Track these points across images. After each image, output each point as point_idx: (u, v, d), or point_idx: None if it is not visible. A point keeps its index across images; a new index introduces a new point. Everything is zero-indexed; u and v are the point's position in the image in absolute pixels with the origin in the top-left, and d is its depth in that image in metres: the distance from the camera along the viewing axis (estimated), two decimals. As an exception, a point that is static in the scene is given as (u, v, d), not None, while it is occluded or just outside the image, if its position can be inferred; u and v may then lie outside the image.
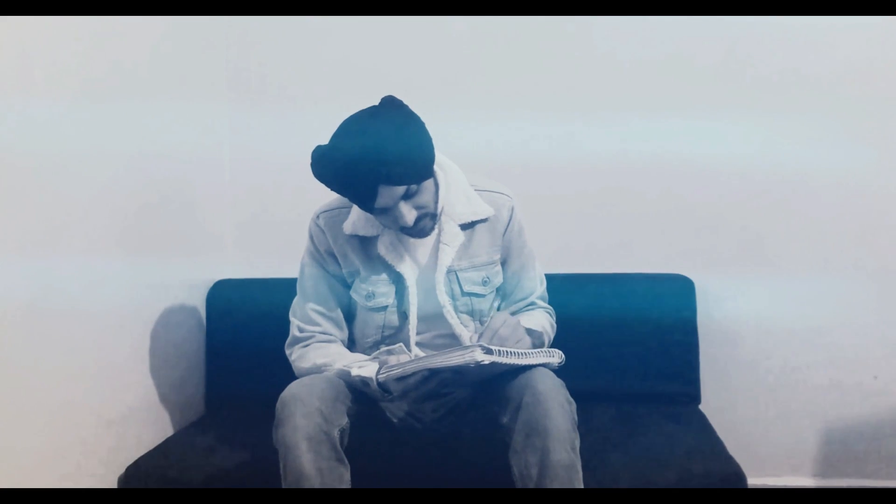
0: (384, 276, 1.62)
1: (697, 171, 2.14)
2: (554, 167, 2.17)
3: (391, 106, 1.48)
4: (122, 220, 1.80)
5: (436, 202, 1.57)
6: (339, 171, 1.44)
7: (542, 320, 1.69)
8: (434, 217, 1.57)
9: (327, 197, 1.68)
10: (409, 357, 1.50)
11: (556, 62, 2.17)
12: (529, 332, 1.55)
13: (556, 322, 1.75)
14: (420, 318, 1.61)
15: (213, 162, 2.26)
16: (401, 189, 1.45)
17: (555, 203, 2.17)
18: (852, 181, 2.09)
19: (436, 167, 1.58)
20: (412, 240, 1.61)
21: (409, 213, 1.49)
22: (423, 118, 1.50)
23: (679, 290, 2.05)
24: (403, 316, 1.62)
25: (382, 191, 1.44)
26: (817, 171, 2.10)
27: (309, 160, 1.46)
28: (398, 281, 1.62)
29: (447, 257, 1.60)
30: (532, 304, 1.73)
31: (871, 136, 2.08)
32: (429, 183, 1.53)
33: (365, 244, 1.63)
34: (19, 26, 1.45)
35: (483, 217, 1.63)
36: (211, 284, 2.19)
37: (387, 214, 1.50)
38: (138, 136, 1.86)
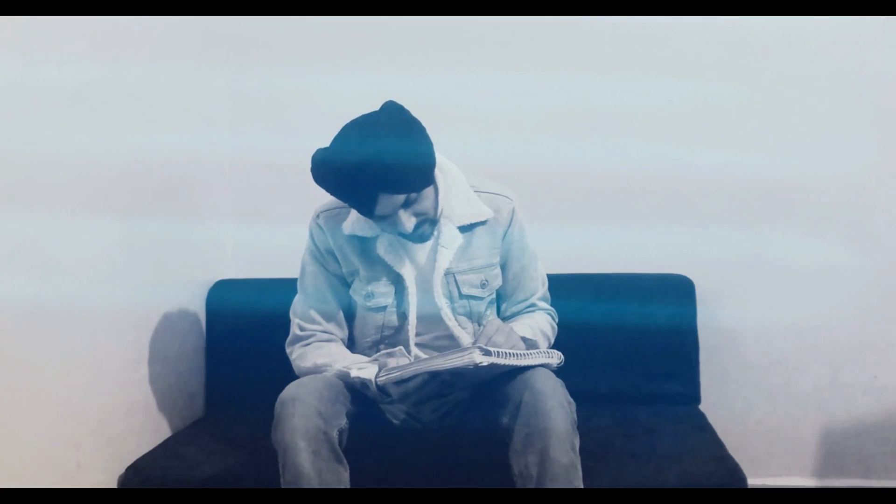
0: (383, 276, 1.62)
1: (697, 171, 2.14)
2: (554, 167, 2.17)
3: (393, 112, 1.47)
4: (123, 219, 1.80)
5: (436, 208, 1.57)
6: (340, 178, 1.43)
7: (542, 323, 1.68)
8: (433, 223, 1.57)
9: (327, 197, 1.68)
10: (409, 360, 1.50)
11: (557, 62, 2.16)
12: (522, 339, 1.54)
13: (557, 326, 1.75)
14: (419, 319, 1.61)
15: (213, 162, 2.26)
16: (401, 197, 1.46)
17: (555, 203, 2.17)
18: (852, 181, 2.09)
19: (435, 170, 1.58)
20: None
21: (408, 221, 1.49)
22: (423, 121, 1.50)
23: (679, 290, 2.05)
24: (403, 316, 1.62)
25: (382, 199, 1.44)
26: (817, 171, 2.10)
27: (309, 161, 1.46)
28: (397, 281, 1.62)
29: (445, 260, 1.60)
30: (533, 305, 1.72)
31: (870, 136, 2.08)
32: (429, 189, 1.53)
33: (364, 244, 1.63)
34: (20, 26, 1.45)
35: (482, 219, 1.63)
36: (211, 284, 2.19)
37: (386, 220, 1.51)
38: (138, 136, 1.86)
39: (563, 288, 1.82)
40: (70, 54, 1.62)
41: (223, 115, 2.28)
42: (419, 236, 1.56)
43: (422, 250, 1.62)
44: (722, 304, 2.14)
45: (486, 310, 1.67)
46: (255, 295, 2.14)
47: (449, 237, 1.60)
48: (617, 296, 2.05)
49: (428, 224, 1.56)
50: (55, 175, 1.57)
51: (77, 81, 1.64)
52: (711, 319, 2.12)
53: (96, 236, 1.70)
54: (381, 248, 1.60)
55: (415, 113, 1.50)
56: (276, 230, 2.24)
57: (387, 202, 1.45)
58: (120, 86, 1.79)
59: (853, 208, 2.10)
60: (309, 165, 1.47)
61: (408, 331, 1.61)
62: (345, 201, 1.51)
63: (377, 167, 1.40)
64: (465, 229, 1.62)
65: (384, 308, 1.63)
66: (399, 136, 1.44)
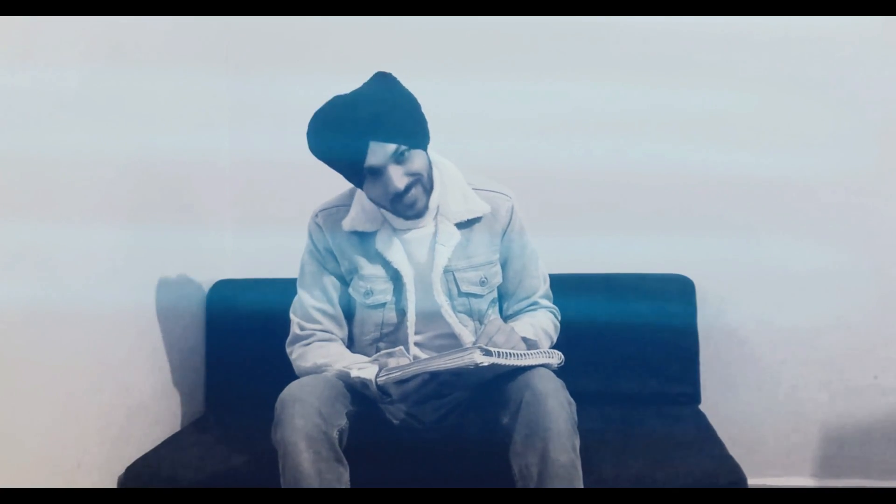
0: (382, 272, 1.63)
1: (697, 171, 2.14)
2: (555, 168, 2.17)
3: (382, 75, 1.53)
4: (123, 220, 1.80)
5: (430, 175, 1.57)
6: (332, 131, 1.47)
7: (545, 321, 1.69)
8: (427, 192, 1.57)
9: (327, 196, 1.69)
10: (409, 360, 1.50)
11: (558, 66, 2.17)
12: (524, 339, 1.54)
13: (559, 324, 1.75)
14: (419, 317, 1.61)
15: (213, 162, 2.26)
16: (391, 147, 1.47)
17: (555, 203, 2.17)
18: (852, 181, 2.09)
19: (432, 167, 1.59)
20: (410, 236, 1.62)
21: (399, 179, 1.50)
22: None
23: (679, 290, 2.05)
24: (402, 313, 1.62)
25: (373, 147, 1.46)
26: (817, 172, 2.10)
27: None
28: (396, 278, 1.62)
29: (443, 257, 1.60)
30: (535, 303, 1.73)
31: (869, 137, 2.08)
32: (421, 154, 1.54)
33: (363, 241, 1.63)
34: (20, 26, 1.45)
35: (479, 215, 1.63)
36: (211, 284, 2.19)
37: (378, 180, 1.51)
38: (138, 136, 1.86)
39: (563, 288, 1.82)
40: (70, 54, 1.61)
41: (223, 116, 2.28)
42: (411, 204, 1.54)
43: (421, 247, 1.62)
44: (722, 305, 2.14)
45: (487, 309, 1.67)
46: (255, 295, 2.14)
47: (446, 234, 1.60)
48: (617, 296, 2.05)
49: (421, 189, 1.55)
50: (56, 177, 1.57)
51: (78, 84, 1.64)
52: (712, 319, 2.12)
53: (97, 237, 1.70)
54: (380, 244, 1.61)
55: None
56: (275, 230, 2.24)
57: (378, 151, 1.47)
58: (120, 88, 1.78)
59: (853, 208, 2.10)
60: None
61: (407, 328, 1.61)
62: (337, 158, 1.52)
63: (368, 115, 1.45)
64: (463, 226, 1.63)
65: (383, 305, 1.63)
66: (388, 90, 1.50)
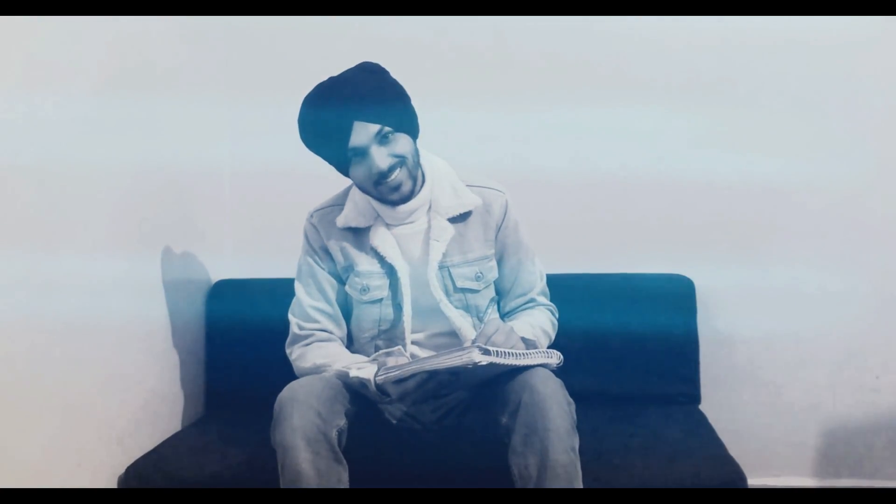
0: (377, 268, 1.63)
1: (698, 172, 2.14)
2: (555, 168, 2.17)
3: (368, 63, 1.57)
4: (123, 221, 1.80)
5: (416, 161, 1.58)
6: (317, 112, 1.50)
7: (543, 320, 1.69)
8: (412, 177, 1.57)
9: (324, 197, 1.69)
10: (407, 359, 1.50)
11: (558, 66, 2.17)
12: (523, 339, 1.53)
13: (557, 322, 1.75)
14: (416, 314, 1.62)
15: (213, 163, 2.26)
16: (374, 127, 1.49)
17: (555, 203, 2.17)
18: (852, 182, 2.09)
19: (423, 162, 1.61)
20: (403, 231, 1.62)
21: (382, 159, 1.51)
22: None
23: (679, 291, 2.05)
24: (398, 308, 1.63)
25: (357, 128, 1.48)
26: (817, 173, 2.10)
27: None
28: (391, 273, 1.63)
29: (437, 252, 1.61)
30: (532, 300, 1.73)
31: (869, 139, 2.08)
32: (406, 138, 1.55)
33: (357, 237, 1.64)
34: (21, 29, 1.46)
35: (470, 208, 1.64)
36: (211, 285, 2.19)
37: (362, 162, 1.52)
38: (138, 139, 1.86)
39: (563, 288, 1.82)
40: (70, 57, 1.62)
41: (223, 115, 2.28)
42: (396, 188, 1.55)
43: (415, 242, 1.63)
44: (722, 305, 2.14)
45: (486, 306, 1.67)
46: (254, 295, 2.14)
47: (439, 229, 1.61)
48: (617, 296, 2.05)
49: (406, 172, 1.55)
50: (57, 178, 1.57)
51: (77, 85, 1.64)
52: (711, 319, 2.12)
53: (97, 237, 1.70)
54: (373, 239, 1.62)
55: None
56: (276, 230, 2.25)
57: (361, 131, 1.49)
58: (119, 89, 1.79)
59: (853, 210, 2.10)
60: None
61: (404, 324, 1.61)
62: (323, 142, 1.54)
63: (351, 95, 1.49)
64: (456, 220, 1.63)
65: (380, 300, 1.64)
66: (374, 74, 1.54)
